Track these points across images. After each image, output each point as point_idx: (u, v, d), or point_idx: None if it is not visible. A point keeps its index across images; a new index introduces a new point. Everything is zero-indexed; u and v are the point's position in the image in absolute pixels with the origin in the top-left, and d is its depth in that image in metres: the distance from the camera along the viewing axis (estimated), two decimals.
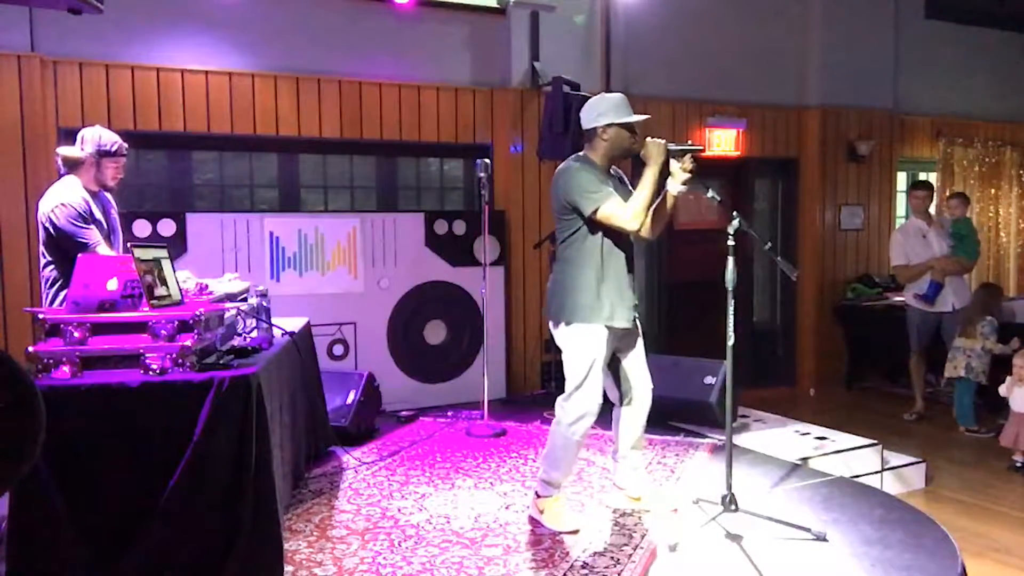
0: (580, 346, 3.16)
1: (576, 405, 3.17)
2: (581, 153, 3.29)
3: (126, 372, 2.58)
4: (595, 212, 3.10)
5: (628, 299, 3.25)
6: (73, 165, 3.64)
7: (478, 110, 5.95)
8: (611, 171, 3.31)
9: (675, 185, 3.21)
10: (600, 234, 3.17)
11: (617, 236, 3.18)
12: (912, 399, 6.12)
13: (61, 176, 3.68)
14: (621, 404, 3.40)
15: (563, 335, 3.21)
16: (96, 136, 3.63)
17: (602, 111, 3.21)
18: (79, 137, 3.66)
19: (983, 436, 5.48)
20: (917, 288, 5.88)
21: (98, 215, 3.62)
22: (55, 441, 2.40)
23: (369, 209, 5.84)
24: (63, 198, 3.50)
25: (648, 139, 3.20)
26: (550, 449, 3.27)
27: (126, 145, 3.73)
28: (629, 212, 3.09)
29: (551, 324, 3.29)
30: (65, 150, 3.67)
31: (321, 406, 4.19)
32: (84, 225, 3.48)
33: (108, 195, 3.83)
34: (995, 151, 8.18)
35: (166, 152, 5.37)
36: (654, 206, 3.22)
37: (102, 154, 3.63)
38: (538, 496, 3.31)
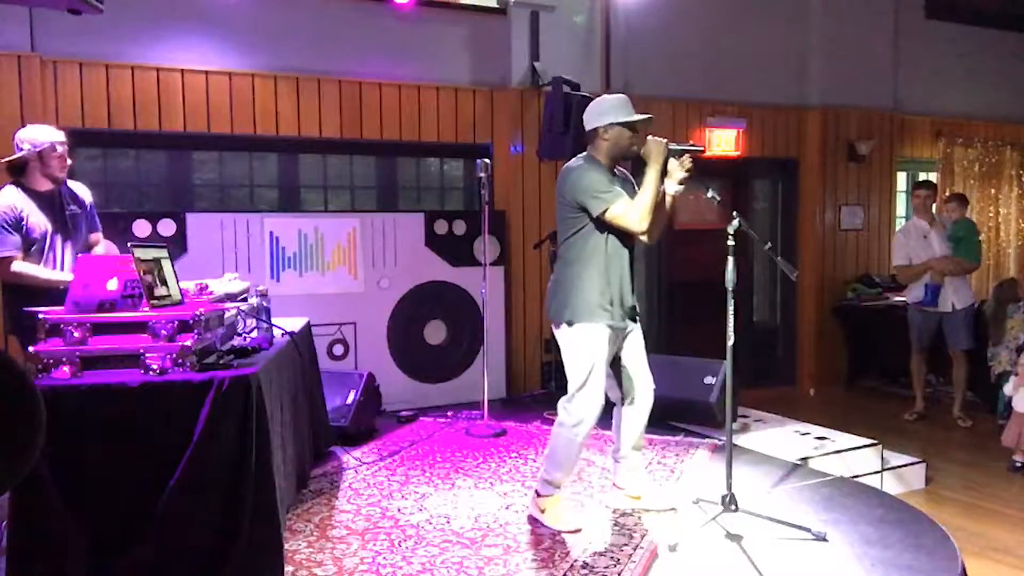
0: (582, 346, 3.15)
1: (579, 406, 3.16)
2: (585, 153, 3.29)
3: (126, 372, 2.58)
4: (604, 213, 3.09)
5: (629, 300, 3.26)
6: (19, 170, 3.64)
7: (478, 110, 5.95)
8: (616, 171, 3.31)
9: (672, 185, 3.21)
10: (605, 234, 3.16)
11: (620, 236, 3.18)
12: (912, 399, 6.12)
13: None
14: (622, 404, 3.40)
15: (565, 335, 3.20)
16: (31, 135, 3.63)
17: (603, 111, 3.21)
18: (16, 142, 3.65)
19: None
20: (915, 294, 5.88)
21: (33, 220, 3.57)
22: (55, 441, 2.40)
23: (369, 209, 5.84)
24: None
25: (649, 138, 3.19)
26: (552, 449, 3.26)
27: (62, 134, 3.70)
28: (636, 213, 3.09)
29: (553, 324, 3.28)
30: (6, 159, 3.67)
31: (321, 406, 4.18)
32: (3, 234, 3.48)
33: (75, 188, 3.82)
34: (995, 151, 8.19)
35: (166, 152, 5.38)
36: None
37: (40, 148, 3.60)
38: (539, 495, 3.31)
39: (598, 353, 3.15)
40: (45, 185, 3.66)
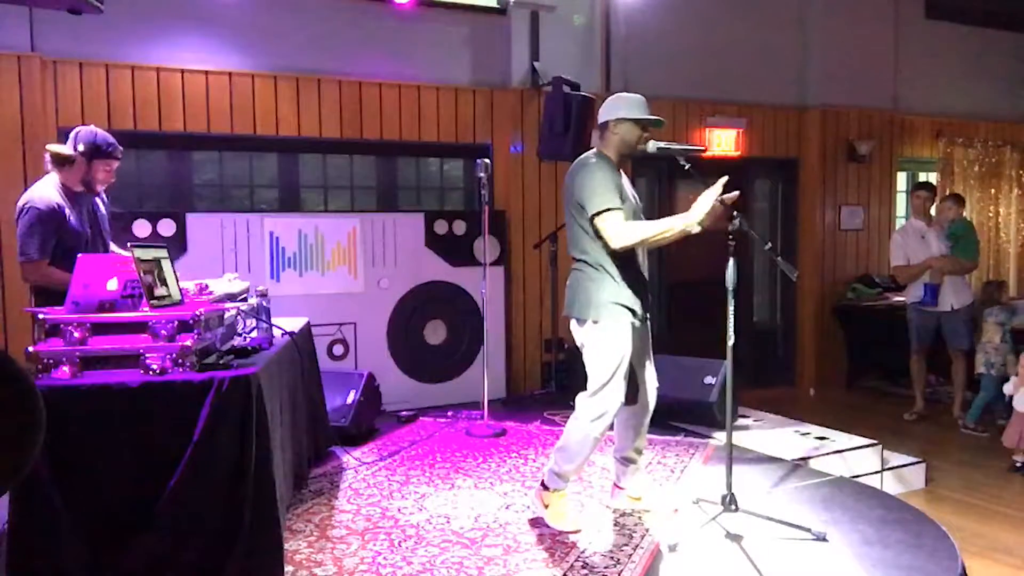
0: (609, 344, 3.13)
1: (600, 402, 3.14)
2: (595, 149, 3.29)
3: (126, 372, 2.58)
4: (596, 215, 3.08)
5: (647, 298, 3.26)
6: (61, 163, 3.51)
7: (478, 110, 5.95)
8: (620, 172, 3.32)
9: (694, 226, 3.07)
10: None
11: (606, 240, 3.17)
12: (912, 399, 6.12)
13: (47, 173, 3.57)
14: (627, 404, 3.39)
15: (590, 333, 3.17)
16: (91, 135, 3.53)
17: (617, 106, 3.22)
18: (73, 134, 3.54)
19: (979, 435, 5.49)
20: (915, 294, 5.89)
21: (73, 218, 3.48)
22: (55, 441, 2.40)
23: (369, 209, 5.85)
24: (35, 200, 3.40)
25: (714, 202, 3.02)
26: (566, 443, 3.24)
27: (121, 148, 3.62)
28: (625, 235, 3.04)
29: (574, 322, 3.25)
30: (55, 147, 3.55)
31: (321, 406, 4.18)
32: (38, 236, 3.37)
33: (102, 193, 3.73)
34: (995, 151, 8.18)
35: (166, 152, 5.38)
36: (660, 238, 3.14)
37: (95, 154, 3.51)
38: (545, 488, 3.30)
39: (624, 351, 3.14)
40: (76, 187, 3.56)
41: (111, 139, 3.59)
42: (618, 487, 3.52)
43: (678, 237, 3.11)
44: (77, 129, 3.58)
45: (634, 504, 3.46)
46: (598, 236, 3.14)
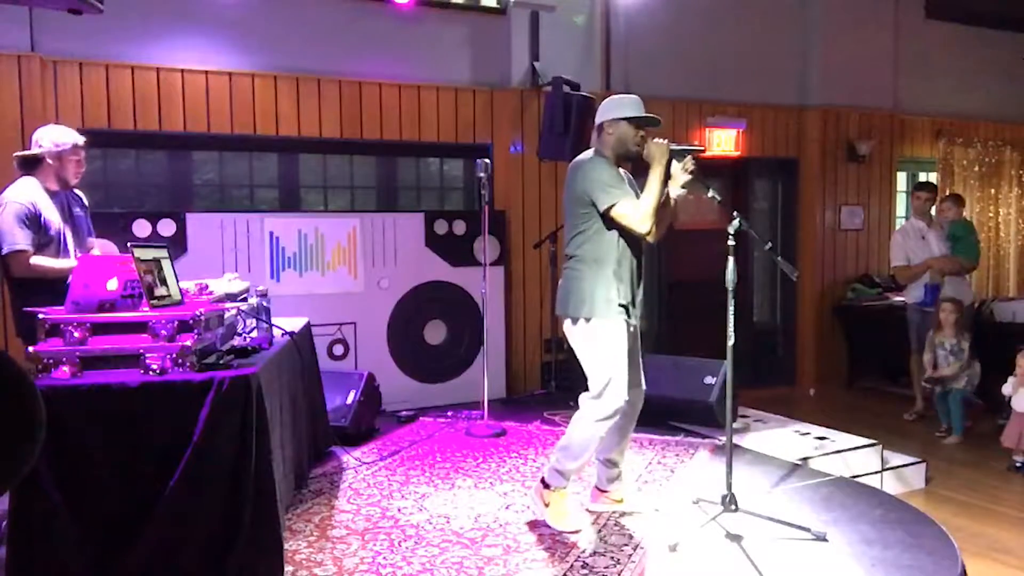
0: (605, 342, 3.11)
1: (606, 402, 3.11)
2: (593, 149, 3.29)
3: (126, 372, 2.58)
4: (610, 208, 3.08)
5: (639, 297, 3.26)
6: (30, 165, 3.60)
7: (478, 110, 5.95)
8: (620, 171, 3.32)
9: (675, 188, 3.21)
10: (616, 230, 3.16)
11: (630, 233, 3.18)
12: (912, 399, 6.12)
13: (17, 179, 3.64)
14: None
15: (583, 333, 3.15)
16: (52, 133, 3.62)
17: (613, 108, 3.24)
18: (34, 138, 3.64)
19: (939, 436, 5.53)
20: (915, 294, 5.89)
21: (49, 216, 3.55)
22: (55, 441, 2.40)
23: (369, 209, 5.85)
24: (11, 196, 3.49)
25: (651, 140, 3.19)
26: (569, 442, 3.21)
27: (83, 138, 3.70)
28: (639, 214, 3.07)
29: (567, 322, 3.22)
30: (22, 152, 3.65)
31: (321, 406, 4.18)
32: (21, 228, 3.43)
33: (77, 192, 3.79)
34: (995, 151, 8.19)
35: (166, 152, 5.38)
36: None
37: (61, 151, 3.59)
38: (546, 486, 3.28)
39: (619, 348, 3.12)
40: (55, 186, 3.63)
41: (72, 132, 3.68)
42: (599, 490, 3.48)
43: (664, 182, 3.15)
44: (37, 132, 3.67)
45: (615, 506, 3.44)
46: (608, 226, 3.14)
